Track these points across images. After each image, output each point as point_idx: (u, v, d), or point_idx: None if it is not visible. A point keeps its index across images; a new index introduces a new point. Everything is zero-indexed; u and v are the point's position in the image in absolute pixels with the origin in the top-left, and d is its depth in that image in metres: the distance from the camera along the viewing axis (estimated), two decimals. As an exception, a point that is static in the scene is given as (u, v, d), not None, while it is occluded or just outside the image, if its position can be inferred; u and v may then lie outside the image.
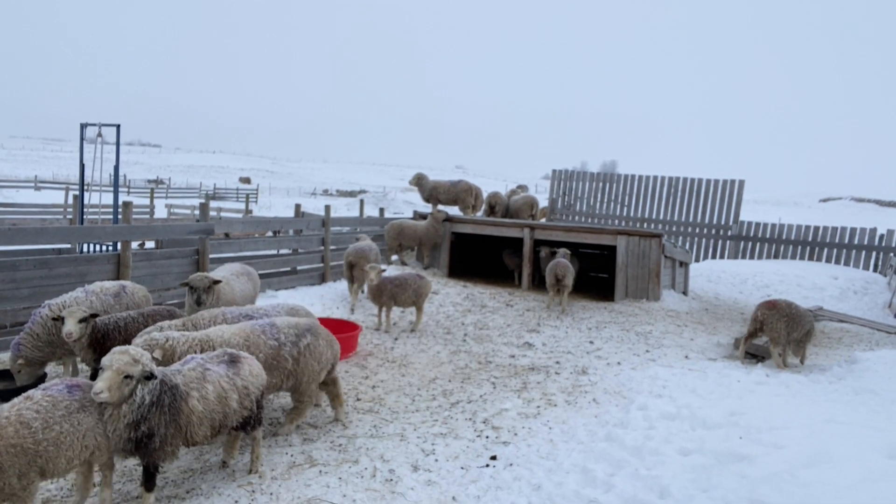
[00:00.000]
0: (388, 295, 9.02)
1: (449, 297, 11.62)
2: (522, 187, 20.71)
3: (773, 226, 18.24)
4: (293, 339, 5.09)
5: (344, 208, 36.64)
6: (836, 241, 17.12)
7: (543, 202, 21.93)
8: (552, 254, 13.43)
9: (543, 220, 19.49)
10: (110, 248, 9.88)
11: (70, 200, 22.07)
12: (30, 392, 3.62)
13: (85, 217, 11.58)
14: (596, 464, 4.88)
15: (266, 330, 5.04)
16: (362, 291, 10.77)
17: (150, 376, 3.68)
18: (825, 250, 17.24)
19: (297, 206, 14.81)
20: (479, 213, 16.79)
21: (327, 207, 12.98)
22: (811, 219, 32.98)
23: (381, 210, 18.68)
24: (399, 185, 70.28)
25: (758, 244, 18.24)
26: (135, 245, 10.41)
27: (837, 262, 17.02)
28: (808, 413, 5.73)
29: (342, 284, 12.12)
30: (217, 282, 6.67)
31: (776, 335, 7.97)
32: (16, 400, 3.54)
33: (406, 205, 41.47)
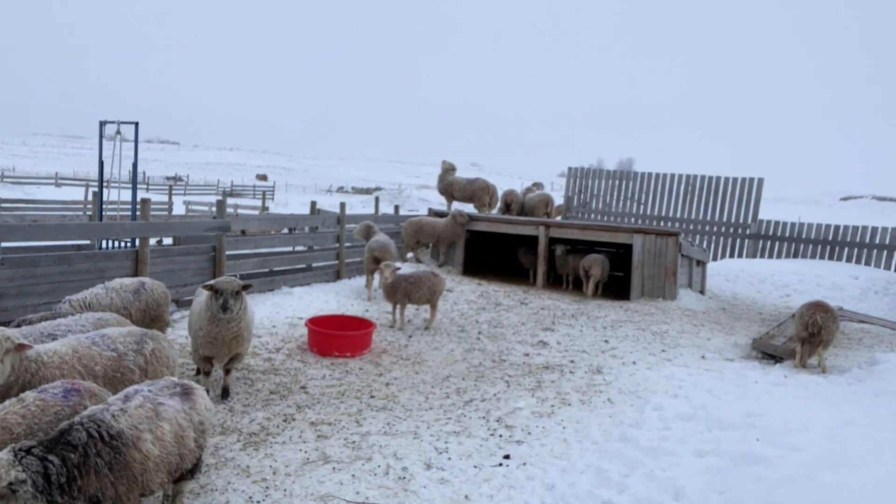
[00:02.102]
0: (402, 292, 9.03)
1: (463, 294, 11.61)
2: (538, 185, 20.66)
3: (793, 224, 18.01)
4: (135, 348, 4.44)
5: (359, 205, 36.74)
6: (857, 240, 16.86)
7: (559, 200, 21.85)
8: (567, 252, 13.37)
9: (559, 219, 19.41)
10: (129, 244, 10.00)
11: (90, 197, 22.35)
12: (24, 394, 3.49)
13: (104, 214, 11.72)
14: (610, 464, 4.85)
15: (97, 341, 4.37)
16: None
17: (13, 489, 2.88)
18: (845, 250, 16.99)
19: (313, 204, 14.87)
20: (494, 211, 16.76)
21: (342, 205, 13.03)
22: (831, 218, 32.51)
23: (397, 207, 18.72)
24: (414, 183, 70.39)
25: (777, 243, 18.02)
26: (153, 241, 10.52)
27: (858, 261, 16.77)
28: (826, 415, 5.65)
29: (357, 281, 12.16)
30: (248, 286, 5.76)
31: (830, 338, 7.81)
32: (6, 403, 3.42)
33: (421, 202, 41.52)
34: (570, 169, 21.86)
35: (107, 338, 4.44)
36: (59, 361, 4.08)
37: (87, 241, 10.22)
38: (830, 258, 17.13)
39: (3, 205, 19.88)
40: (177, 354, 4.82)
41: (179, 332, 7.55)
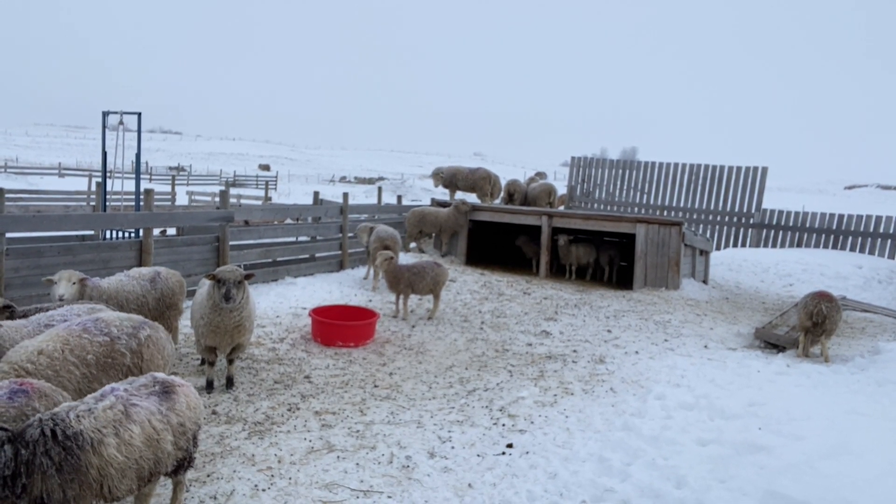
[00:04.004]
0: (405, 283, 9.05)
1: (466, 284, 11.63)
2: (541, 174, 20.65)
3: (797, 214, 17.96)
4: (129, 332, 4.33)
5: (362, 195, 36.72)
6: (861, 229, 16.81)
7: (562, 190, 21.81)
8: (570, 242, 13.37)
9: (562, 208, 19.39)
10: (132, 234, 10.02)
11: (93, 187, 22.39)
12: None
13: (108, 204, 11.74)
14: (612, 453, 4.88)
15: (88, 327, 4.23)
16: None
17: None
18: (850, 239, 16.94)
19: (316, 194, 14.86)
20: (497, 201, 16.76)
21: (345, 195, 13.02)
22: (836, 206, 32.37)
23: (399, 197, 18.70)
24: (417, 172, 70.24)
25: (780, 232, 17.98)
26: (156, 232, 10.55)
27: (862, 250, 16.73)
28: (829, 404, 5.68)
29: (360, 272, 12.18)
30: (250, 275, 5.73)
31: (833, 327, 7.82)
32: None
33: (424, 192, 41.45)
34: (573, 158, 21.79)
35: (101, 321, 4.33)
36: (47, 362, 3.92)
37: (91, 232, 10.25)
38: (834, 247, 17.09)
39: (7, 195, 19.93)
40: (174, 349, 4.73)
41: (183, 323, 7.57)
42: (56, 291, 5.69)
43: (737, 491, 4.12)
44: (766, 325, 9.29)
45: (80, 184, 32.04)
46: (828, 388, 6.42)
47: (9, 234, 7.07)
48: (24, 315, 5.11)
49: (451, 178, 16.49)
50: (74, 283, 5.77)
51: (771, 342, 8.70)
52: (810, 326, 7.85)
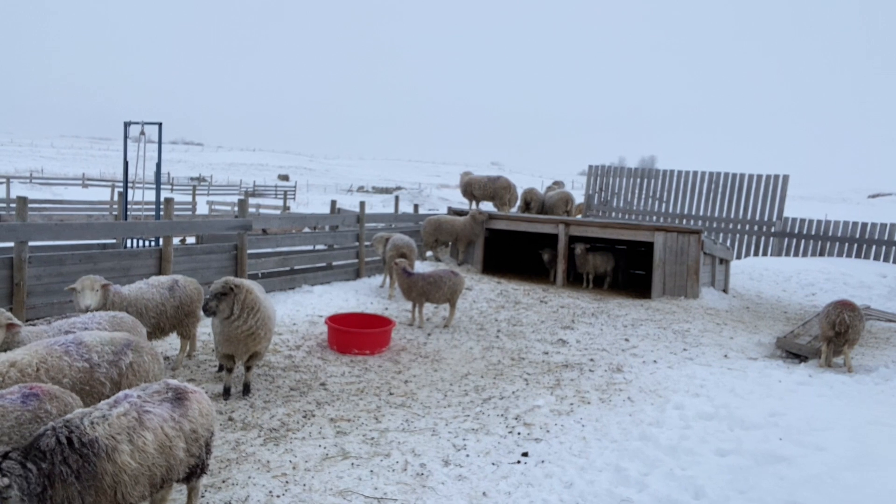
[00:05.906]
0: (420, 291, 9.05)
1: (482, 293, 11.60)
2: (559, 183, 20.56)
3: (819, 222, 17.71)
4: (110, 359, 4.14)
5: (379, 205, 36.90)
6: (885, 238, 16.54)
7: (580, 198, 21.72)
8: (587, 250, 13.30)
9: (579, 217, 19.30)
10: (153, 243, 10.15)
11: (115, 197, 22.75)
12: None
13: (129, 213, 11.91)
14: (629, 463, 4.82)
15: (70, 349, 4.06)
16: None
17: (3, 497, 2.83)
18: (873, 247, 16.67)
19: (333, 203, 14.97)
20: (514, 209, 16.73)
21: (362, 204, 13.09)
22: (859, 215, 31.83)
23: (416, 206, 18.76)
24: (434, 182, 70.44)
25: (802, 241, 17.75)
26: (176, 240, 10.68)
27: (886, 259, 16.46)
28: (851, 414, 5.56)
29: (377, 280, 12.21)
30: (237, 286, 5.66)
31: (856, 337, 7.70)
32: None
33: (441, 201, 41.51)
34: (591, 167, 21.72)
35: (83, 345, 4.16)
36: (17, 376, 3.81)
37: (113, 240, 10.40)
38: (858, 256, 16.83)
39: (31, 205, 20.32)
40: (161, 368, 4.50)
41: (202, 330, 7.64)
42: (82, 302, 5.66)
43: (757, 502, 4.05)
44: (788, 335, 9.15)
45: (102, 194, 32.55)
46: (851, 398, 6.30)
47: (32, 243, 7.19)
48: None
49: (466, 187, 16.52)
50: (97, 291, 5.77)
51: (793, 352, 8.56)
52: (833, 336, 7.71)
